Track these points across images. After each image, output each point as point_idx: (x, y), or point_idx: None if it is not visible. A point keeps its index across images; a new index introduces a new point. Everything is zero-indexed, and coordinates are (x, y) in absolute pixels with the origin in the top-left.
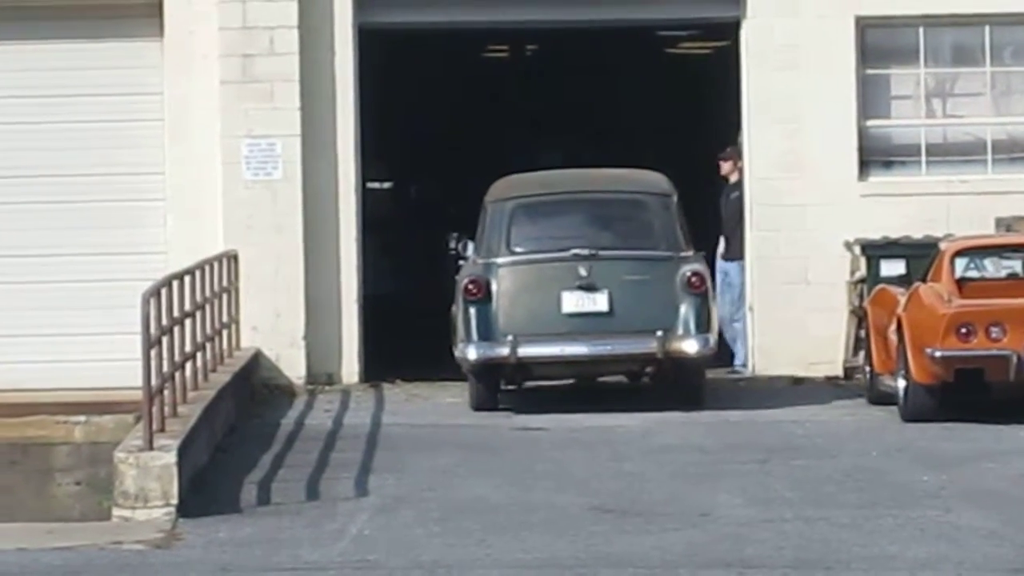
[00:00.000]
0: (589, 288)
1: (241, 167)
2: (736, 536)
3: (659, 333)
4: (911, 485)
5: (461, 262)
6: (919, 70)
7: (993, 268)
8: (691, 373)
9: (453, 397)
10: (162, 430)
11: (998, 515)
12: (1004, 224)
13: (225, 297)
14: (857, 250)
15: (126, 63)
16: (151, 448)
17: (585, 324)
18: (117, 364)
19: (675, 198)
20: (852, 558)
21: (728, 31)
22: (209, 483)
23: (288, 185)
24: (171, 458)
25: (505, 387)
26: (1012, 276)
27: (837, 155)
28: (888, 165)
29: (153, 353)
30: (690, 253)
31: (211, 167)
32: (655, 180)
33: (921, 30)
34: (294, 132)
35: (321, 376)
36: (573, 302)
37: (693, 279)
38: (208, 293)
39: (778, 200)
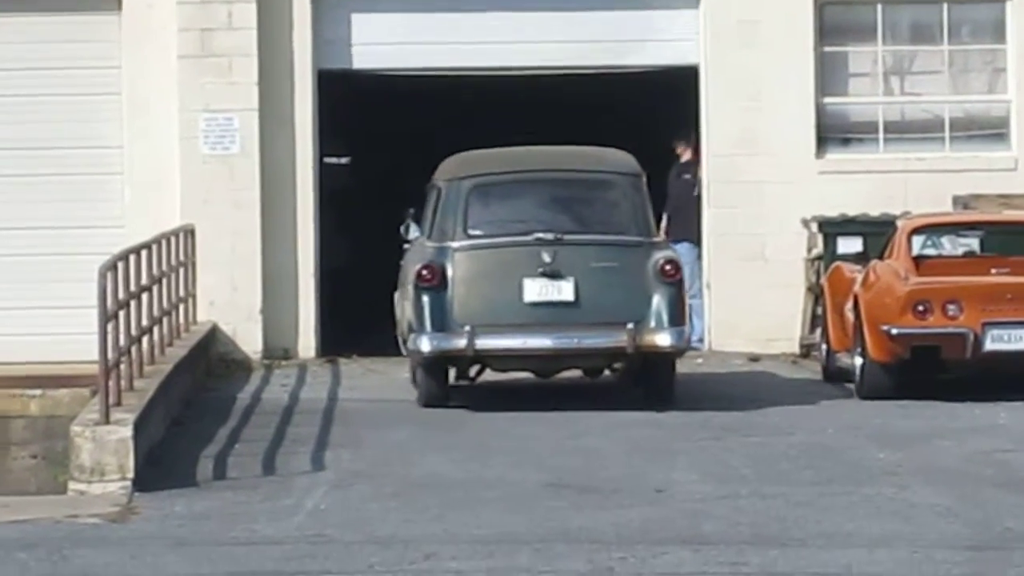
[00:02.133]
0: (553, 275)
1: (199, 141)
2: (693, 512)
3: (630, 325)
4: (867, 462)
5: (406, 245)
6: (877, 48)
7: (950, 246)
8: (661, 369)
9: (410, 373)
10: (118, 404)
11: (953, 492)
12: (961, 202)
13: (182, 271)
14: (814, 227)
15: (84, 36)
16: (107, 422)
17: (549, 314)
18: (74, 338)
19: (643, 179)
20: (808, 535)
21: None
22: (165, 457)
23: (246, 160)
24: (127, 432)
25: (456, 382)
26: (969, 254)
27: (795, 132)
28: (846, 142)
29: (110, 327)
30: (659, 239)
31: (169, 141)
32: (622, 159)
33: (879, 7)
34: (252, 107)
35: (278, 351)
36: (536, 290)
37: (667, 267)
38: (165, 267)
39: (736, 177)
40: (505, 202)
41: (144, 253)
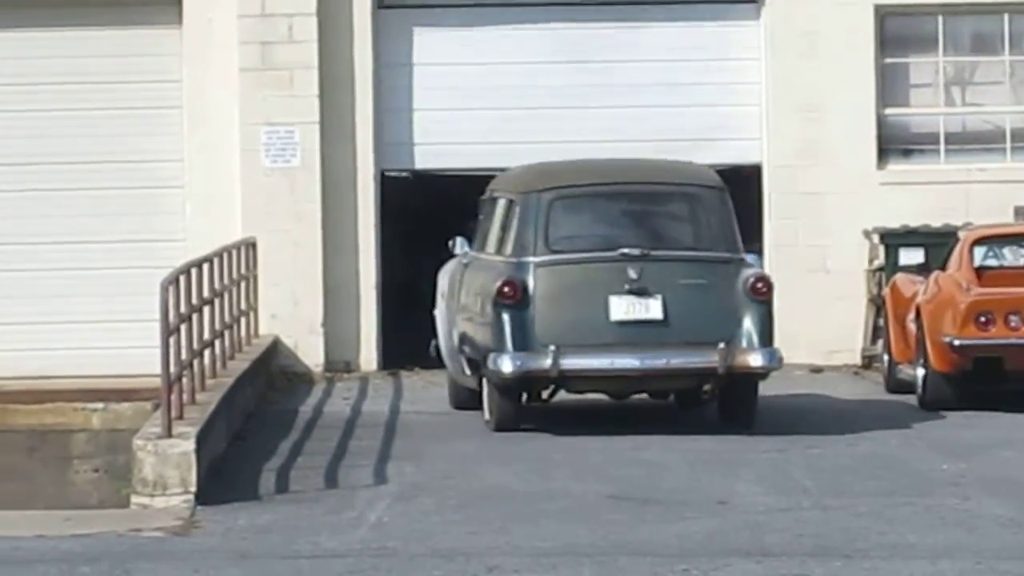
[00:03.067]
0: (640, 293)
1: (260, 154)
2: (755, 524)
3: (721, 345)
4: (930, 473)
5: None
6: (938, 58)
7: (1012, 256)
8: (745, 391)
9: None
10: (180, 417)
11: (1017, 503)
12: (1023, 212)
13: (243, 284)
14: (876, 238)
15: (145, 50)
16: (169, 435)
17: (636, 333)
18: (136, 351)
19: (728, 193)
20: (871, 546)
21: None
22: (227, 470)
23: (306, 172)
24: (189, 445)
25: (527, 403)
26: None
27: (856, 143)
28: (907, 153)
29: (172, 341)
30: (746, 255)
31: (230, 154)
32: (705, 172)
33: (940, 18)
34: (313, 119)
35: (339, 364)
36: (622, 308)
37: (759, 285)
38: (227, 280)
39: (797, 188)
40: (588, 215)
41: (206, 266)
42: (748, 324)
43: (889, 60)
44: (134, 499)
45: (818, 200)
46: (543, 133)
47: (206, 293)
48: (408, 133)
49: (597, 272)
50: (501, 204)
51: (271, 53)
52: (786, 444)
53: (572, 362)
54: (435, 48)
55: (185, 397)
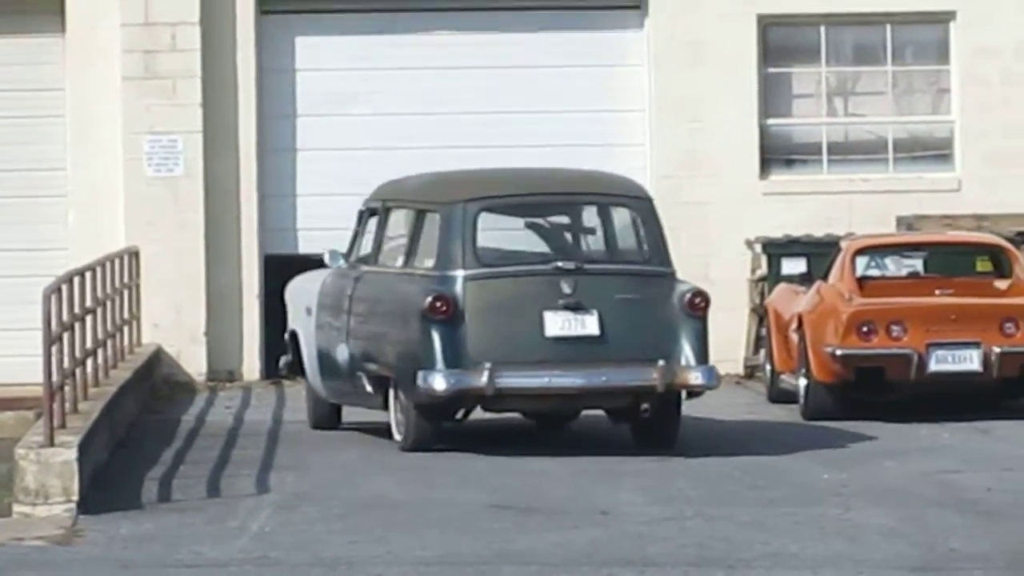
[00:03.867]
0: (575, 308)
1: (143, 163)
2: (637, 534)
3: (661, 362)
4: (812, 483)
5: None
6: (820, 69)
7: (894, 267)
8: (670, 410)
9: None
10: (63, 426)
11: (897, 513)
12: (905, 223)
13: (126, 293)
14: (758, 248)
15: (28, 59)
16: (52, 444)
17: (572, 350)
18: (18, 360)
19: (655, 205)
20: (753, 556)
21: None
22: (110, 479)
23: (190, 181)
24: (72, 454)
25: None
26: (913, 275)
27: (739, 153)
28: (790, 164)
29: (54, 349)
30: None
31: (113, 163)
32: (631, 182)
33: (823, 29)
34: (196, 128)
35: (222, 373)
36: (558, 324)
37: (697, 300)
38: (109, 289)
39: (680, 198)
40: (516, 227)
41: (88, 275)
42: (685, 340)
43: (772, 70)
44: (16, 508)
45: (701, 210)
46: (427, 140)
47: (88, 302)
48: (291, 139)
49: (530, 286)
50: (404, 215)
51: (154, 62)
52: (668, 454)
53: (508, 380)
54: (318, 55)
55: (67, 406)
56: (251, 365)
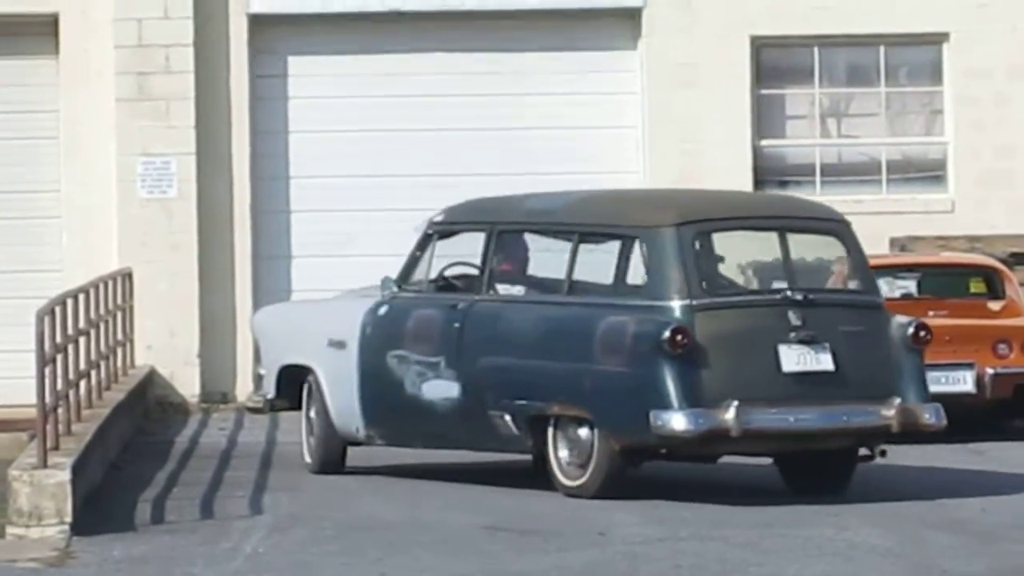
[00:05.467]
0: (809, 341)
1: (136, 185)
2: (633, 555)
3: (898, 401)
4: (807, 504)
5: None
6: (814, 90)
7: (887, 288)
8: (852, 451)
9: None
10: (56, 448)
11: (892, 534)
12: (899, 244)
13: (120, 315)
14: (750, 272)
15: (21, 80)
16: (45, 466)
17: (809, 387)
18: (11, 382)
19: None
20: None
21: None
22: (103, 501)
23: (183, 203)
24: (65, 476)
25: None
26: (906, 296)
27: (732, 174)
28: (783, 184)
29: (47, 371)
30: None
31: (106, 185)
32: (828, 207)
33: (816, 50)
34: (189, 150)
35: (216, 394)
36: (794, 358)
37: (920, 333)
38: (103, 311)
39: None
40: (736, 253)
41: (82, 297)
42: (909, 376)
43: (765, 91)
44: (9, 530)
45: None
46: (422, 162)
47: (82, 323)
48: (284, 160)
49: (761, 317)
50: (557, 240)
51: (147, 84)
52: (663, 473)
53: (756, 419)
54: (311, 75)
55: (61, 427)
56: (244, 387)
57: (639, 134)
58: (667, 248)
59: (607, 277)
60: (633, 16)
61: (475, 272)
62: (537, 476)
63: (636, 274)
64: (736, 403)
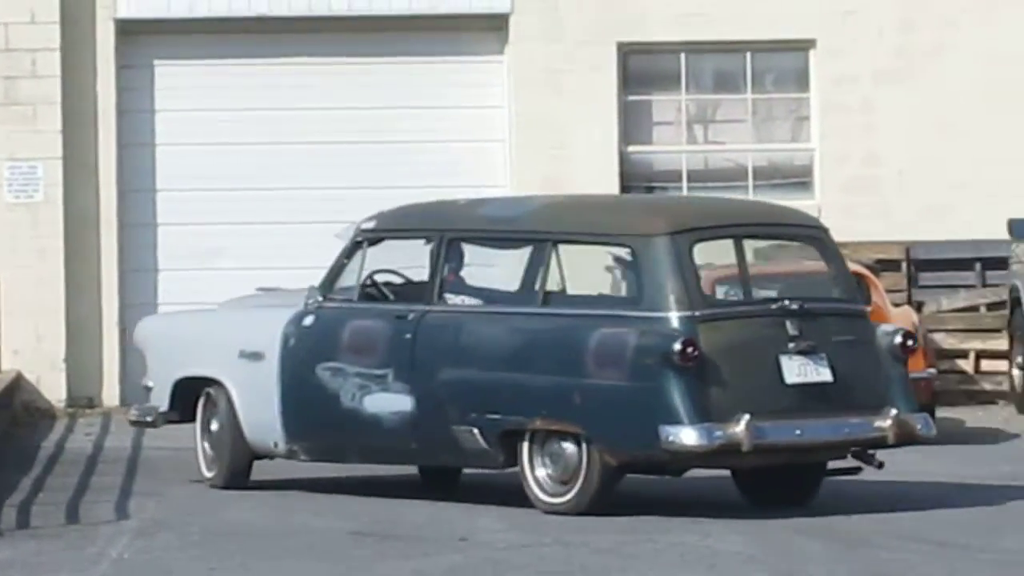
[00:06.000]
0: (807, 352)
1: (3, 189)
2: (496, 560)
3: (894, 412)
4: (671, 511)
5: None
6: (681, 96)
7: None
8: (821, 463)
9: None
10: None
11: (757, 541)
12: (763, 252)
13: None
14: (619, 275)
15: None
16: None
17: (809, 399)
18: None
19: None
20: None
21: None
22: None
23: (49, 208)
24: None
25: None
26: None
27: (599, 180)
28: (650, 191)
29: None
30: None
31: None
32: (806, 213)
33: (683, 56)
34: (56, 155)
35: (82, 399)
36: (795, 369)
37: (908, 342)
38: None
39: None
40: (731, 262)
41: None
42: (898, 386)
43: (632, 98)
44: None
45: None
46: (289, 175)
47: None
48: (151, 168)
49: (761, 328)
50: (521, 247)
51: (14, 88)
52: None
53: (767, 433)
54: (178, 84)
55: None
56: (111, 392)
57: (506, 144)
58: (664, 257)
59: (587, 287)
60: (500, 23)
61: (402, 280)
62: (424, 487)
63: (625, 284)
64: (747, 417)
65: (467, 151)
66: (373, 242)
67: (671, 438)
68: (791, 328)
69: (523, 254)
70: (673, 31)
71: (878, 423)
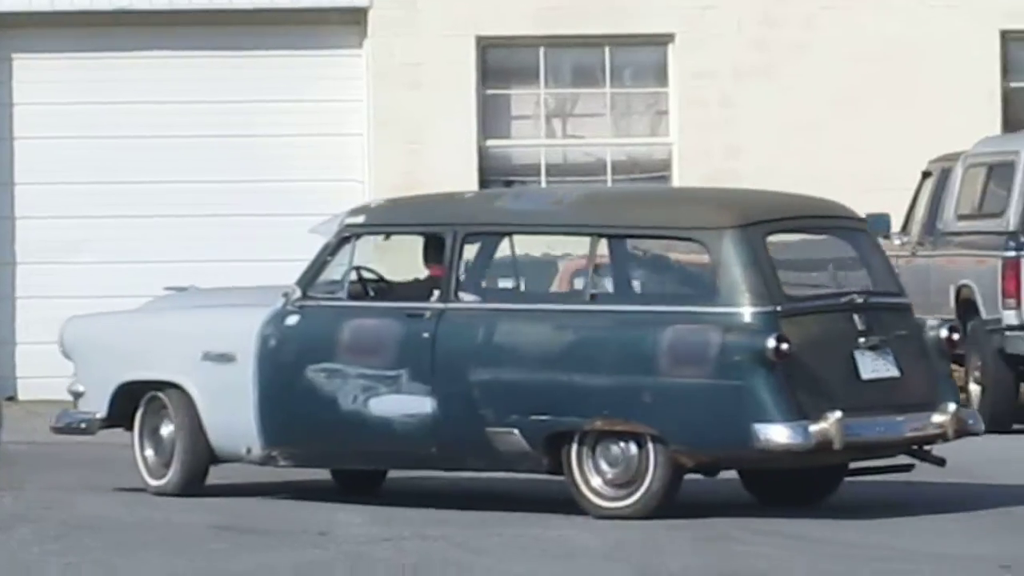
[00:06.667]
0: (875, 347)
1: None
2: (355, 554)
3: (952, 407)
4: (533, 504)
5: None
6: (539, 90)
7: None
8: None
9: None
10: None
11: (613, 534)
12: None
13: None
14: None
15: None
16: None
17: (881, 395)
18: None
19: None
20: None
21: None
22: None
23: None
24: None
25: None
26: None
27: (458, 174)
28: (509, 185)
29: None
30: None
31: None
32: (845, 206)
33: (542, 50)
34: None
35: None
36: (869, 365)
37: (953, 336)
38: None
39: None
40: (797, 256)
41: None
42: (946, 381)
43: (491, 92)
44: None
45: None
46: (149, 169)
47: None
48: (8, 162)
49: (835, 322)
50: (564, 241)
51: None
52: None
53: (854, 430)
54: (38, 79)
55: None
56: None
57: (364, 138)
58: (741, 251)
59: (637, 283)
60: (359, 16)
61: (385, 278)
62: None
63: (691, 279)
64: (839, 413)
65: (326, 145)
66: (359, 238)
67: (765, 437)
68: (859, 323)
69: (558, 249)
70: (532, 25)
71: (937, 418)
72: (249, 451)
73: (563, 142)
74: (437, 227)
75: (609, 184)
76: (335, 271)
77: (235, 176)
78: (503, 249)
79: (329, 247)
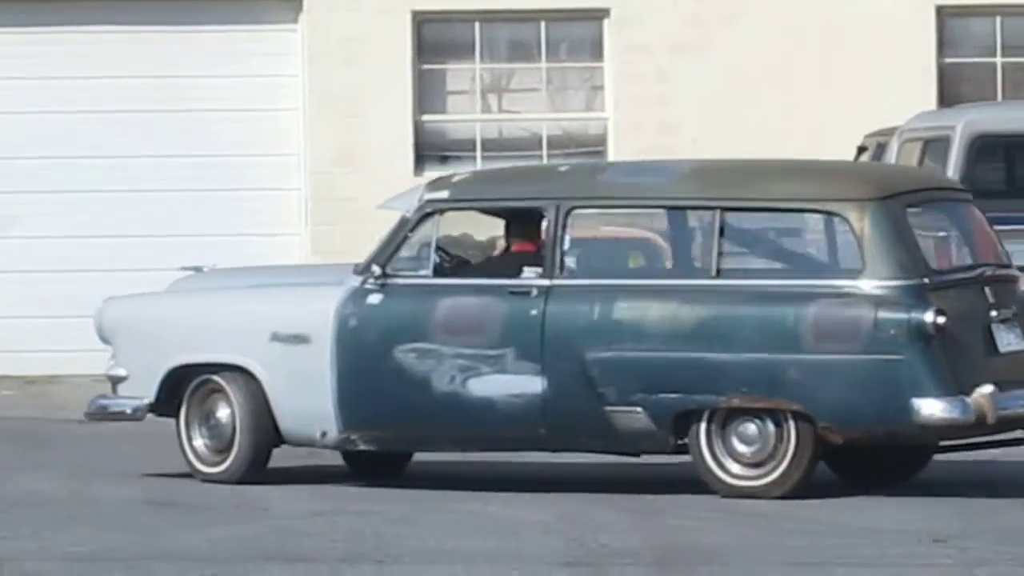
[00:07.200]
0: (1007, 320)
1: None
2: (291, 529)
3: None
4: (470, 481)
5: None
6: (475, 65)
7: None
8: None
9: (6, 390)
10: None
11: (554, 510)
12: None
13: None
14: None
15: None
16: None
17: (1015, 368)
18: None
19: None
20: (405, 552)
21: None
22: None
23: None
24: None
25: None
26: None
27: (394, 150)
28: (444, 160)
29: None
30: None
31: None
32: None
33: (477, 25)
34: None
35: None
36: (1005, 339)
37: None
38: None
39: (335, 194)
40: (932, 229)
41: None
42: None
43: (427, 67)
44: None
45: (356, 205)
46: (86, 144)
47: None
48: None
49: (974, 296)
50: (689, 215)
51: None
52: (322, 452)
53: (1005, 404)
54: None
55: None
56: None
57: (300, 113)
58: (888, 223)
59: (764, 258)
60: None
61: (458, 255)
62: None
63: (827, 252)
64: (992, 387)
65: (261, 120)
66: (444, 213)
67: (924, 411)
68: (990, 296)
69: (672, 223)
70: (467, 0)
71: None
72: (324, 435)
73: (499, 117)
74: (536, 201)
75: (544, 160)
76: (420, 248)
77: (170, 151)
78: (595, 225)
79: (409, 223)
